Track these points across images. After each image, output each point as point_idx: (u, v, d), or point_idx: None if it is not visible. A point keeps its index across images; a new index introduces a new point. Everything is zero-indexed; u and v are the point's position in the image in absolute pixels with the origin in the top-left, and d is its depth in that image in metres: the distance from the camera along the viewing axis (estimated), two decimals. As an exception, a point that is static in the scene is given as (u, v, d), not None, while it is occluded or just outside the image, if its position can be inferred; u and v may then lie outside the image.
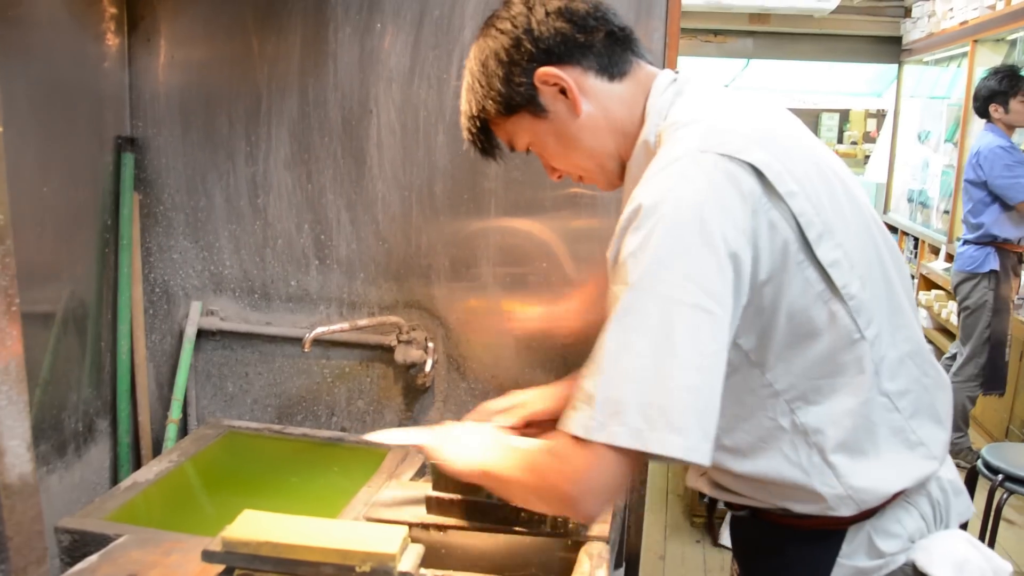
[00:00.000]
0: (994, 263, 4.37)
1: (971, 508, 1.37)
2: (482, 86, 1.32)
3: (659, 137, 1.25)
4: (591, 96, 1.29)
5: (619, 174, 1.36)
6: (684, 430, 1.04)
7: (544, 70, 1.27)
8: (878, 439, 1.23)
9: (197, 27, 2.14)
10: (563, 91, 1.29)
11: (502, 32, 1.30)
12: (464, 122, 1.39)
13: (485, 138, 1.39)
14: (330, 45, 2.07)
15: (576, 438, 1.08)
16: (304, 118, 2.11)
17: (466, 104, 1.38)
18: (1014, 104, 4.32)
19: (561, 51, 1.28)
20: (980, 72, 5.95)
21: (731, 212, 1.09)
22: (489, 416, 1.64)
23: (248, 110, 2.14)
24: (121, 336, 2.19)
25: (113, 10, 2.11)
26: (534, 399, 1.64)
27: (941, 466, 1.29)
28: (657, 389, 1.05)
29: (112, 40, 2.12)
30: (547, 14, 1.28)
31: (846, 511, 1.23)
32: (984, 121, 4.51)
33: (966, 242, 4.52)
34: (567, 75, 1.27)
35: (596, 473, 1.08)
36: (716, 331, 1.07)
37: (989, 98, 4.38)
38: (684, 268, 1.06)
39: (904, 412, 1.24)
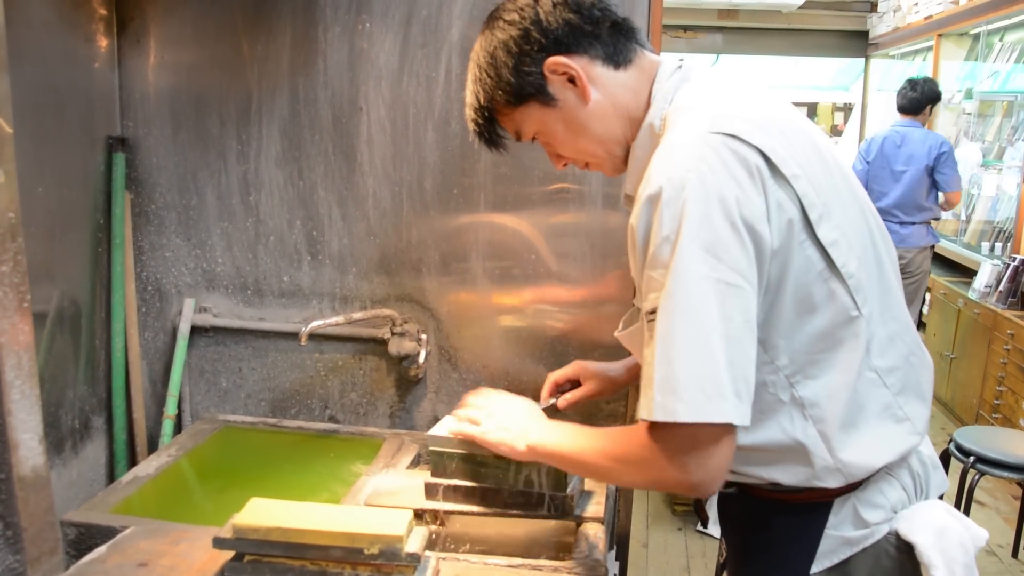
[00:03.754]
0: (934, 237, 5.21)
1: (946, 482, 1.44)
2: (491, 77, 1.35)
3: (664, 120, 1.30)
4: (598, 84, 1.33)
5: (624, 159, 1.39)
6: (731, 396, 1.13)
7: (553, 59, 1.31)
8: (868, 414, 1.28)
9: (186, 28, 2.16)
10: (571, 80, 1.32)
11: (510, 24, 1.33)
12: (470, 114, 1.42)
13: (491, 129, 1.42)
14: (319, 44, 2.10)
15: (666, 432, 1.16)
16: (295, 116, 2.15)
17: (472, 96, 1.40)
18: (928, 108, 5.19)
19: (569, 41, 1.31)
20: (946, 65, 6.10)
21: (746, 190, 1.16)
22: (553, 386, 1.77)
23: (239, 109, 2.17)
24: (115, 334, 2.22)
25: (103, 12, 2.13)
26: (595, 371, 1.78)
27: (922, 440, 1.36)
28: (705, 362, 1.13)
29: (102, 41, 2.14)
30: (554, 5, 1.31)
31: (833, 483, 1.28)
32: (903, 117, 5.16)
33: (912, 223, 5.09)
34: (576, 64, 1.31)
35: (712, 462, 1.16)
36: (746, 303, 1.15)
37: (933, 98, 5.10)
38: (712, 248, 1.13)
39: (892, 388, 1.30)
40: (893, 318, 1.32)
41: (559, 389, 1.82)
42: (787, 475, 1.30)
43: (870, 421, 1.28)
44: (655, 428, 1.17)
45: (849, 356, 1.25)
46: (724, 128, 1.18)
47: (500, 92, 1.35)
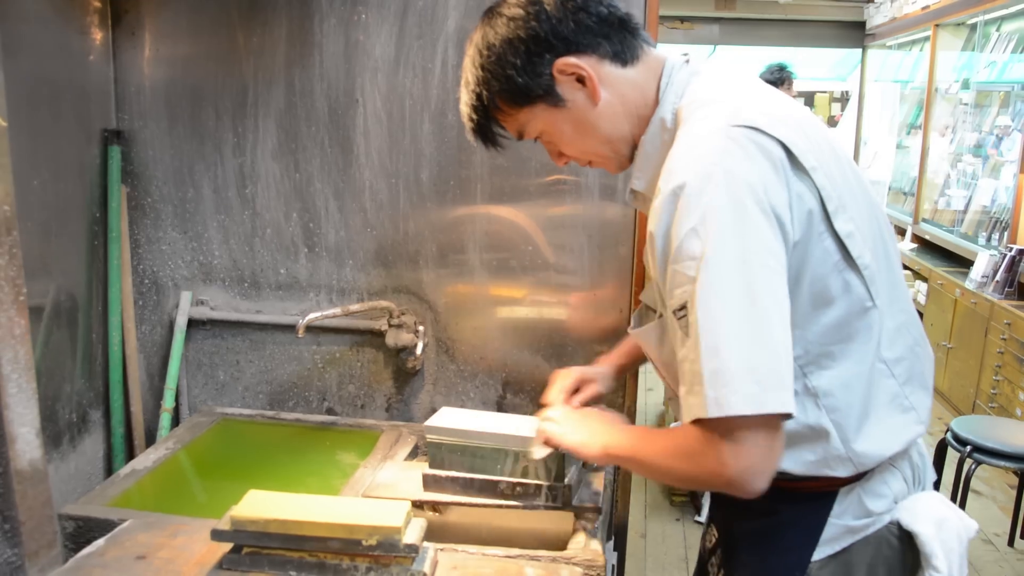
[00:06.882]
0: None
1: (934, 473, 1.46)
2: (495, 77, 1.31)
3: (677, 114, 1.28)
4: (607, 83, 1.31)
5: (630, 156, 1.38)
6: (790, 385, 1.10)
7: (564, 60, 1.28)
8: (878, 404, 1.29)
9: (181, 21, 2.16)
10: (580, 80, 1.30)
11: (513, 20, 1.29)
12: (468, 112, 1.38)
13: (490, 127, 1.39)
14: (315, 36, 2.10)
15: (706, 421, 1.12)
16: (291, 108, 2.14)
17: (472, 95, 1.36)
18: (783, 91, 5.01)
19: (578, 40, 1.29)
20: (943, 55, 6.10)
21: (770, 180, 1.14)
22: (561, 393, 1.72)
23: (235, 102, 2.16)
24: (112, 328, 2.21)
25: (97, 4, 2.13)
26: (593, 374, 1.75)
27: (925, 430, 1.36)
28: (759, 351, 1.10)
29: (97, 34, 2.14)
30: (561, 4, 1.28)
31: (843, 472, 1.28)
32: None
33: None
34: (585, 64, 1.29)
35: (747, 453, 1.11)
36: (786, 288, 1.14)
37: (773, 82, 5.10)
38: (749, 233, 1.11)
39: (899, 379, 1.31)
40: (901, 310, 1.32)
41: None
42: (796, 463, 1.29)
43: (879, 411, 1.28)
44: (702, 422, 1.13)
45: (863, 347, 1.25)
46: (745, 121, 1.17)
47: (507, 93, 1.32)
